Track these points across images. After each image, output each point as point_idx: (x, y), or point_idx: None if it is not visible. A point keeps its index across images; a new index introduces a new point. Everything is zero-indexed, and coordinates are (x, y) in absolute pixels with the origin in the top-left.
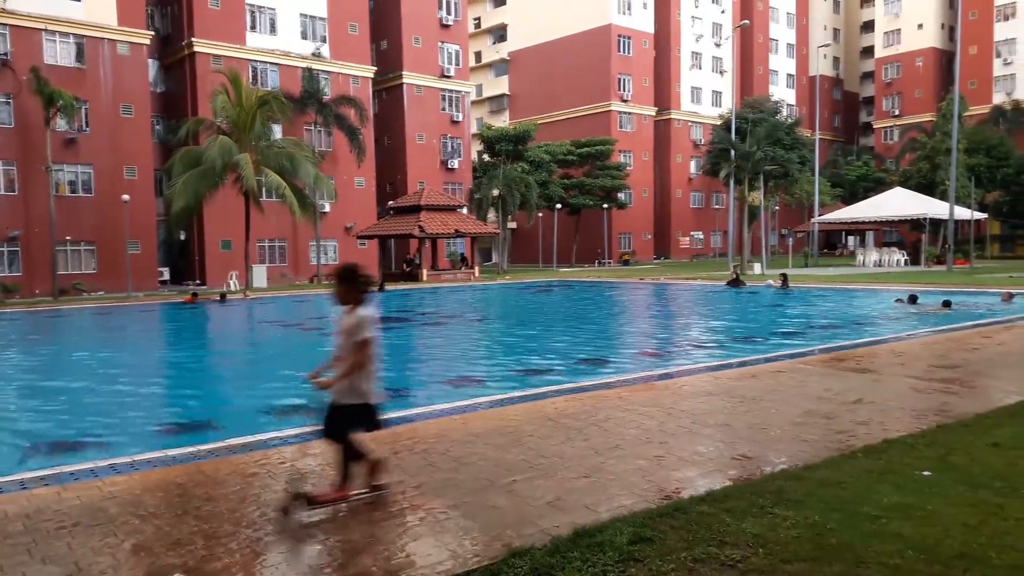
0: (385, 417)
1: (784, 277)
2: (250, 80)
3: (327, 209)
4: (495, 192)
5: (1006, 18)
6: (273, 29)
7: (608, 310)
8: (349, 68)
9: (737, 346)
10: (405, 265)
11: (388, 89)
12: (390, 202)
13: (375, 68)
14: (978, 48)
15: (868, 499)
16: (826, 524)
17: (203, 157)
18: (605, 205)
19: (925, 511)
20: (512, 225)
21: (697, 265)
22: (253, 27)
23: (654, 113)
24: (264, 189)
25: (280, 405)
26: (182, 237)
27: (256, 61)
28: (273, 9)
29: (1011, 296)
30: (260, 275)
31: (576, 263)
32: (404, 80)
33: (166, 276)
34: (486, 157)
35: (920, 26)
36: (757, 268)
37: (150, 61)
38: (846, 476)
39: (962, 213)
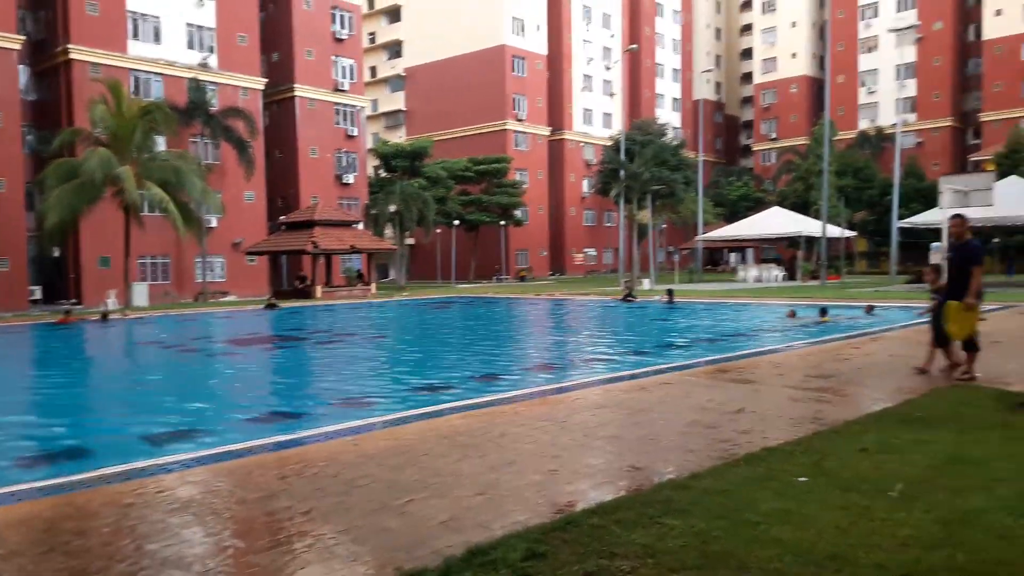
0: (272, 441)
1: (670, 292)
2: (132, 90)
3: (214, 224)
4: (392, 208)
5: (869, 50)
6: (157, 38)
7: (505, 326)
8: (238, 79)
9: (628, 359)
10: (297, 282)
11: (280, 102)
12: (282, 217)
13: (266, 80)
14: (845, 77)
15: (750, 506)
16: (711, 532)
17: (80, 169)
18: (502, 222)
19: (802, 515)
20: (410, 241)
21: (591, 281)
22: (135, 35)
23: (548, 133)
24: (146, 203)
25: (158, 431)
26: (56, 254)
27: (138, 70)
28: (157, 17)
29: (871, 308)
30: (141, 293)
31: (474, 279)
32: (296, 93)
33: (38, 295)
34: (383, 173)
35: (794, 55)
36: (646, 283)
37: (21, 67)
38: (729, 484)
39: (833, 231)
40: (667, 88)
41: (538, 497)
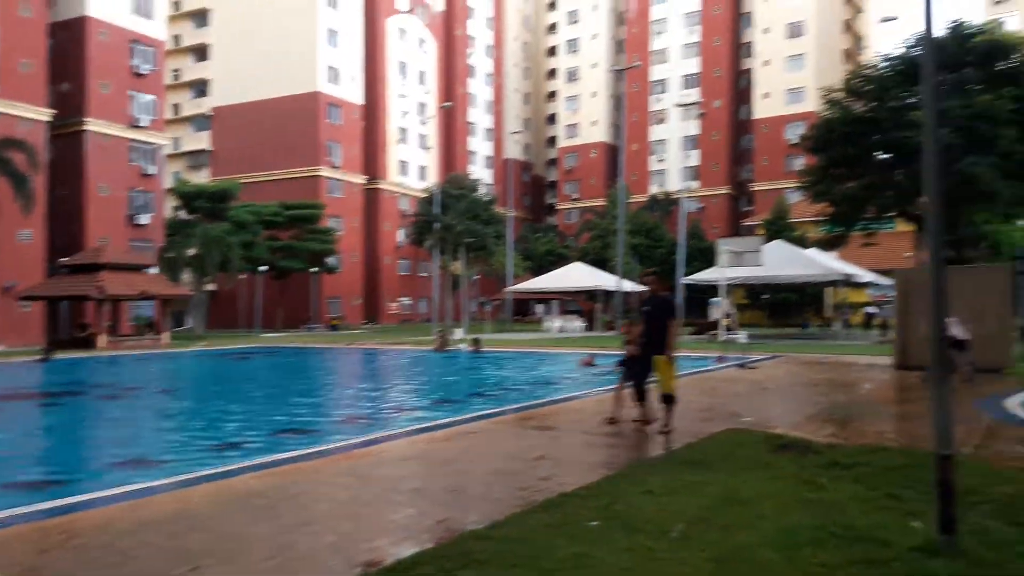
0: (33, 509)
1: (476, 341)
2: None
3: None
4: (191, 251)
5: (660, 122)
6: None
7: (313, 377)
8: (19, 108)
9: (437, 409)
10: (77, 330)
11: (68, 135)
12: (63, 259)
13: (54, 111)
14: (639, 145)
15: (546, 552)
16: None
17: None
18: (314, 269)
19: (593, 559)
20: (211, 287)
21: (405, 330)
22: None
23: (364, 181)
24: None
25: None
26: None
27: None
28: None
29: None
30: None
31: (282, 328)
32: (88, 127)
33: None
34: (183, 214)
35: (594, 123)
36: (459, 333)
37: None
38: (528, 532)
39: (628, 285)
40: (480, 146)
41: (334, 558)
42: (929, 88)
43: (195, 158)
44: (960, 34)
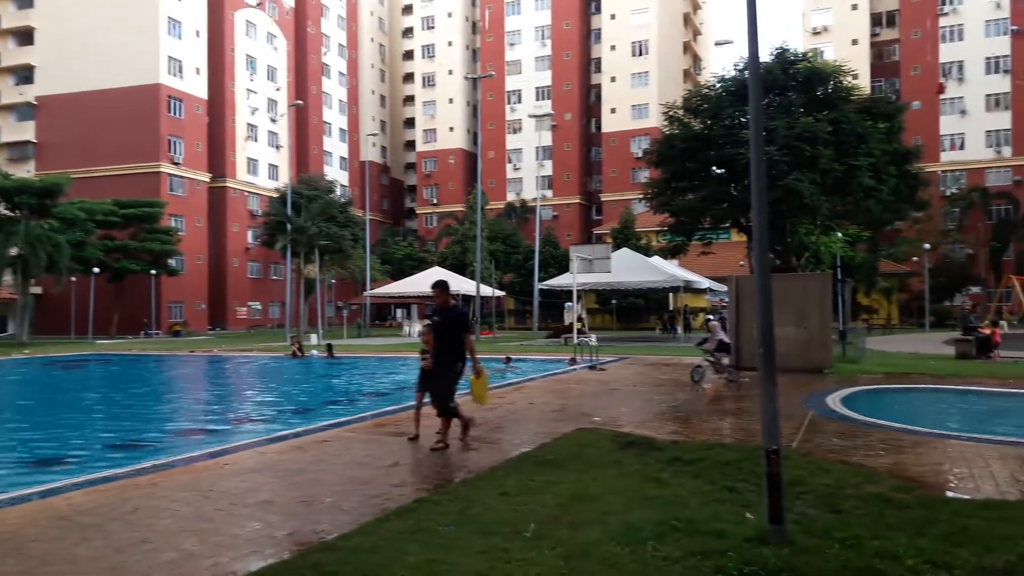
0: None
1: (329, 347)
2: None
3: None
4: (13, 251)
5: (515, 131)
6: None
7: (152, 387)
8: None
9: (288, 418)
10: None
11: None
12: None
13: None
14: (495, 153)
15: (398, 560)
16: None
17: None
18: (153, 271)
19: (447, 564)
20: (36, 290)
21: (255, 336)
22: None
23: (209, 179)
24: None
25: None
26: None
27: None
28: None
29: (509, 359)
30: None
31: (118, 334)
32: None
33: None
34: (2, 210)
35: (451, 129)
36: (314, 339)
37: None
38: (380, 540)
39: (486, 290)
40: (335, 147)
41: None
42: (754, 109)
43: (17, 150)
44: (785, 60)
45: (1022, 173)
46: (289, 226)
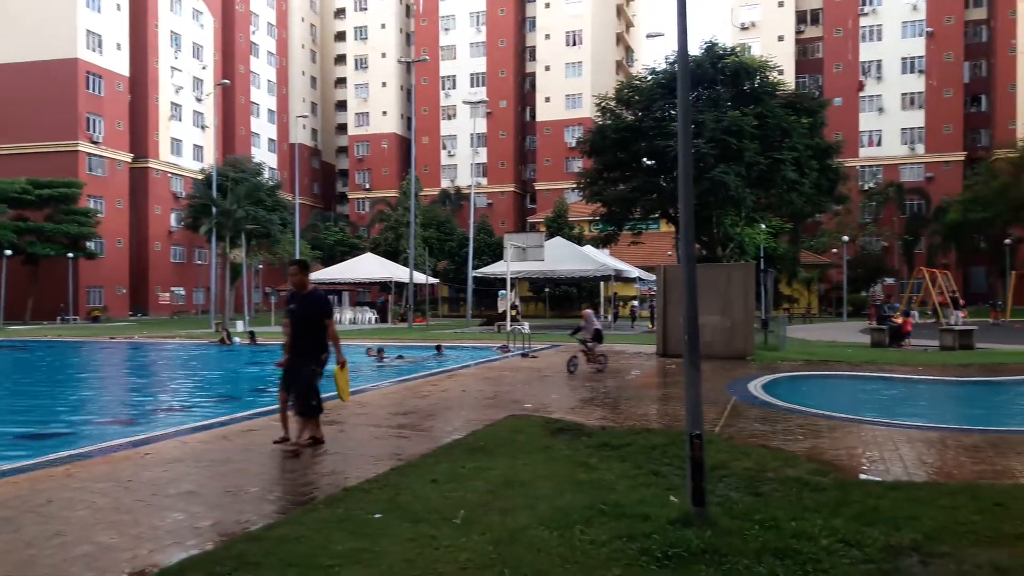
0: None
1: (252, 335)
2: None
3: None
4: None
5: (449, 117)
6: None
7: (67, 374)
8: None
9: (213, 407)
10: None
11: None
12: None
13: None
14: (430, 139)
15: (325, 549)
16: None
17: None
18: (71, 254)
19: (374, 552)
20: None
21: (179, 322)
22: None
23: (130, 160)
24: None
25: None
26: None
27: None
28: None
29: (440, 348)
30: None
31: (33, 320)
32: None
33: None
34: None
35: (385, 113)
36: (240, 326)
37: None
38: (306, 530)
39: (420, 278)
40: (263, 128)
41: (87, 572)
42: (683, 102)
43: None
44: (714, 54)
45: (934, 170)
46: (214, 209)
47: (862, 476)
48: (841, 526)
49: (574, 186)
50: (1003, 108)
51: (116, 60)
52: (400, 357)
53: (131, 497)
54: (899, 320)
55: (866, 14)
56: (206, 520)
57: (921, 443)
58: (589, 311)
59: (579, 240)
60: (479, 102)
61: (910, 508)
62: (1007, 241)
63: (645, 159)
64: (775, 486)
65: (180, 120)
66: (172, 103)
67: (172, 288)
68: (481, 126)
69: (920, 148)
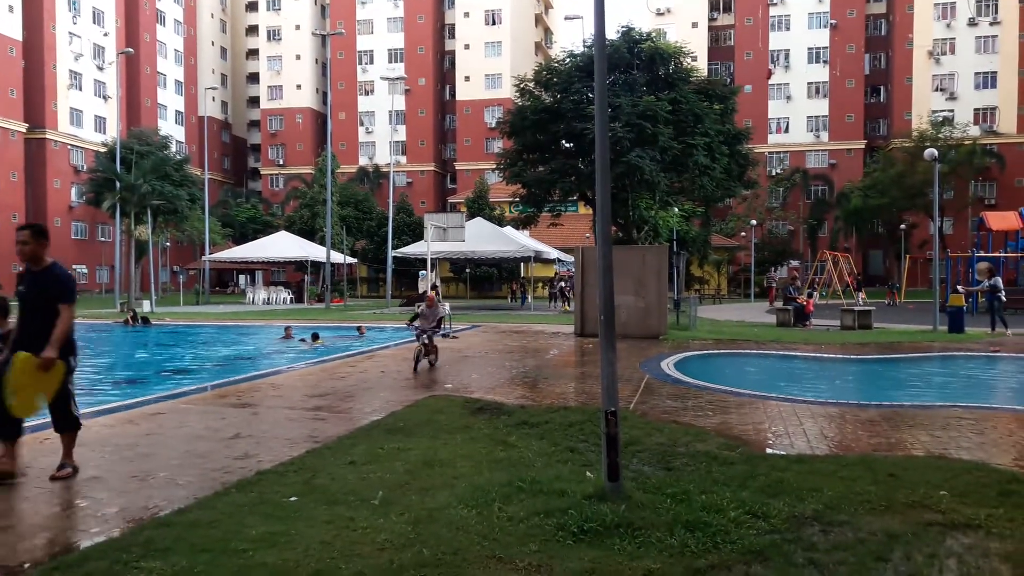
0: None
1: (134, 313)
2: None
3: None
4: None
5: (367, 93)
6: None
7: None
8: None
9: (117, 390)
10: None
11: None
12: None
13: None
14: (346, 115)
15: (238, 534)
16: (194, 568)
17: None
18: None
19: (289, 536)
20: None
21: (81, 302)
22: None
23: (25, 130)
24: None
25: None
26: None
27: None
28: None
29: (362, 329)
30: None
31: None
32: None
33: None
34: None
35: (299, 87)
36: (147, 306)
37: None
38: (219, 514)
39: (337, 257)
40: (170, 100)
41: None
42: (599, 86)
43: None
44: (630, 39)
45: (837, 157)
46: (118, 184)
47: (769, 450)
48: (748, 498)
49: (494, 167)
50: (900, 99)
51: (7, 23)
52: (316, 337)
53: (29, 485)
54: (803, 300)
55: (775, 4)
56: (111, 507)
57: (823, 418)
58: (434, 294)
59: (500, 221)
60: (397, 78)
61: (812, 480)
62: (903, 226)
63: (564, 141)
64: (686, 460)
65: (80, 89)
66: (71, 71)
67: (74, 266)
68: (400, 103)
69: (824, 136)
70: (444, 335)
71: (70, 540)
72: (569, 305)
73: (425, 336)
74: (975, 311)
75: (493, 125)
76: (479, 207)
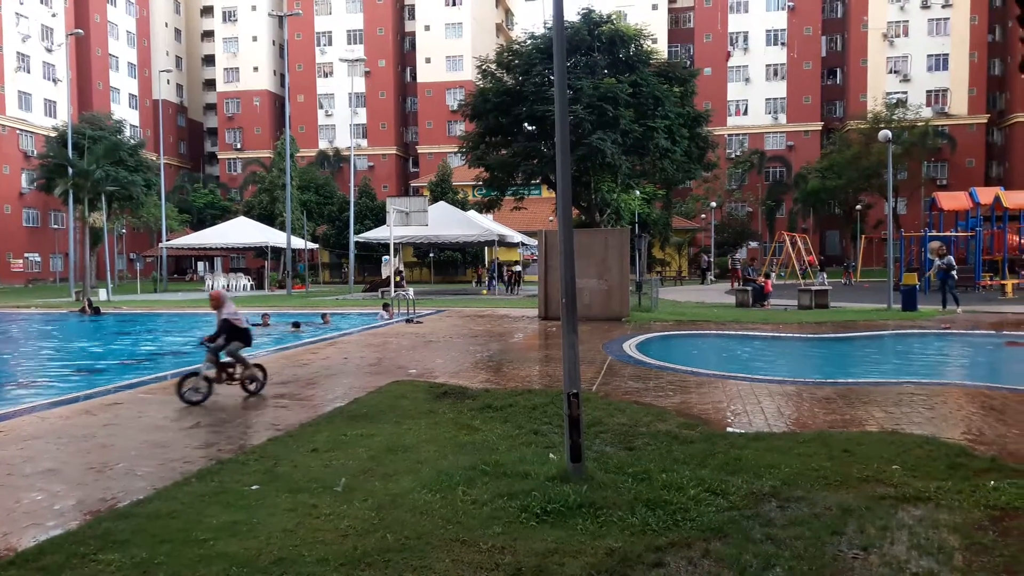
0: None
1: (89, 302)
2: None
3: None
4: None
5: (326, 75)
6: None
7: None
8: None
9: (74, 380)
10: None
11: None
12: None
13: None
14: (305, 97)
15: (199, 524)
16: (154, 559)
17: None
18: None
19: (251, 524)
20: None
21: (34, 291)
22: None
23: None
24: None
25: None
26: None
27: None
28: None
29: (326, 316)
30: None
31: None
32: None
33: None
34: None
35: (256, 69)
36: (103, 294)
37: None
38: (179, 505)
39: (298, 243)
40: (123, 83)
41: None
42: (559, 68)
43: None
44: (591, 21)
45: (795, 139)
46: (70, 169)
47: (728, 429)
48: (708, 476)
49: (457, 150)
50: (856, 81)
51: None
52: (296, 325)
53: None
54: (762, 281)
55: None
56: (68, 499)
57: (780, 396)
58: (221, 291)
59: (463, 205)
60: (356, 60)
61: (770, 457)
62: (858, 207)
63: (526, 124)
64: (647, 440)
65: (29, 72)
66: (19, 53)
67: (26, 254)
68: (360, 86)
69: (782, 118)
70: (408, 320)
71: (25, 535)
72: (512, 291)
73: (217, 355)
74: (927, 290)
75: (455, 108)
76: (442, 191)
